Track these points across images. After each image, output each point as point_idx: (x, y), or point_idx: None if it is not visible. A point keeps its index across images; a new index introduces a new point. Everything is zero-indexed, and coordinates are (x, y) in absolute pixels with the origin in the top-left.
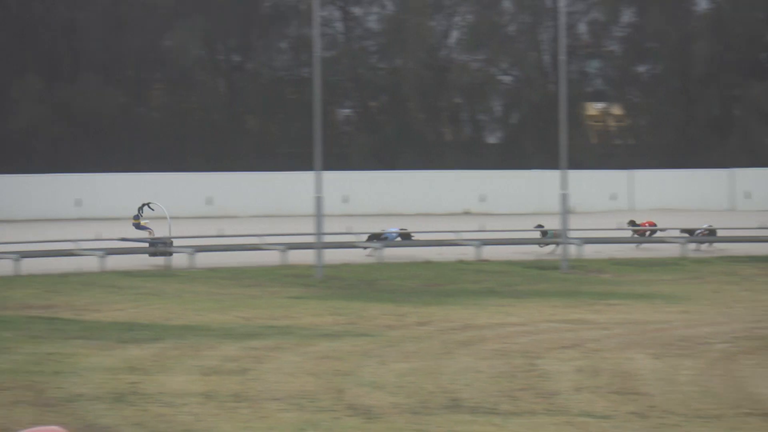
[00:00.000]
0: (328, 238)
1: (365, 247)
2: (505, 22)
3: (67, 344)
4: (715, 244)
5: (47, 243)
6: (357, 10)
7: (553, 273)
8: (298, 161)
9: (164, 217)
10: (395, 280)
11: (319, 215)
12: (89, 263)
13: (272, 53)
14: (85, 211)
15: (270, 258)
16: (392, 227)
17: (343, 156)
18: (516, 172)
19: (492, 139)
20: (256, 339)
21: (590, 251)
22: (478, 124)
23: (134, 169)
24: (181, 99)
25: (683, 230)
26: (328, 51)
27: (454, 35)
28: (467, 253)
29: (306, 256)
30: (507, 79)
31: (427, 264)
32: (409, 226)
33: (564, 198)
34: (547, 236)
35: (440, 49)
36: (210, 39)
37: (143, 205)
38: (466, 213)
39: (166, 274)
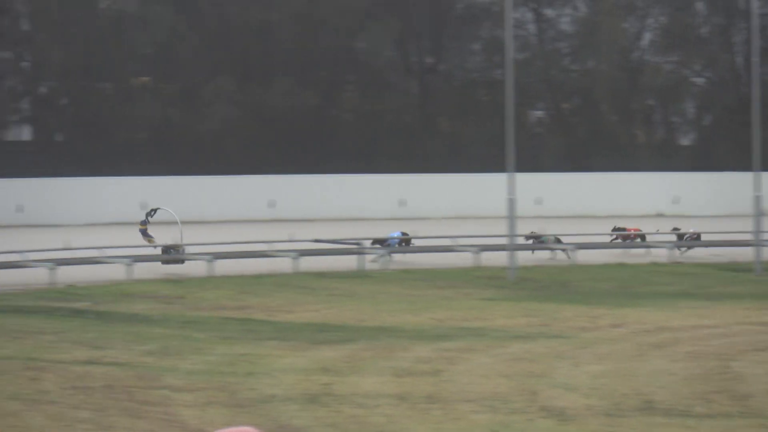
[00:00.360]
0: (521, 240)
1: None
2: (698, 24)
3: (260, 345)
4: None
5: (241, 244)
6: (549, 12)
7: (746, 275)
8: (491, 163)
9: (177, 223)
10: (588, 281)
11: (511, 217)
12: (282, 264)
13: (465, 55)
14: (278, 213)
15: (463, 259)
16: (394, 232)
17: (536, 158)
18: (709, 174)
19: (685, 141)
20: (448, 340)
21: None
22: (671, 125)
23: (326, 170)
24: (373, 100)
25: (672, 232)
26: (520, 53)
27: (647, 37)
28: (661, 255)
29: (499, 258)
30: (700, 80)
31: (621, 266)
32: (600, 228)
33: (757, 200)
34: (542, 242)
35: (633, 51)
36: (403, 40)
37: (151, 210)
38: (659, 215)
39: (360, 275)
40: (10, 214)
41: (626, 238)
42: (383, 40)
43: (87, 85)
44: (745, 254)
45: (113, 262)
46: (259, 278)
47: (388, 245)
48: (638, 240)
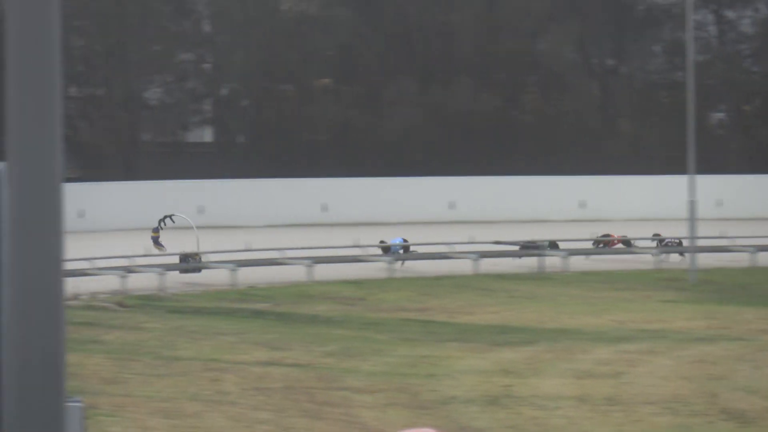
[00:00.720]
0: (701, 242)
1: None
2: None
3: (440, 347)
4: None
5: (421, 246)
6: (730, 14)
7: None
8: (671, 165)
9: (191, 228)
10: None
11: (692, 219)
12: (463, 266)
13: (646, 57)
14: (458, 214)
15: (642, 261)
16: (396, 238)
17: (716, 159)
18: None
19: None
20: (629, 342)
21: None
22: None
23: (507, 172)
24: (554, 102)
25: (652, 239)
26: (701, 55)
27: None
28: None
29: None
30: None
31: None
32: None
33: None
34: (546, 248)
35: None
36: (583, 42)
37: (165, 217)
38: None
39: (540, 277)
40: (192, 216)
41: (611, 244)
42: (564, 42)
43: (268, 87)
44: None
45: (294, 264)
46: (439, 280)
47: (392, 251)
48: (621, 245)
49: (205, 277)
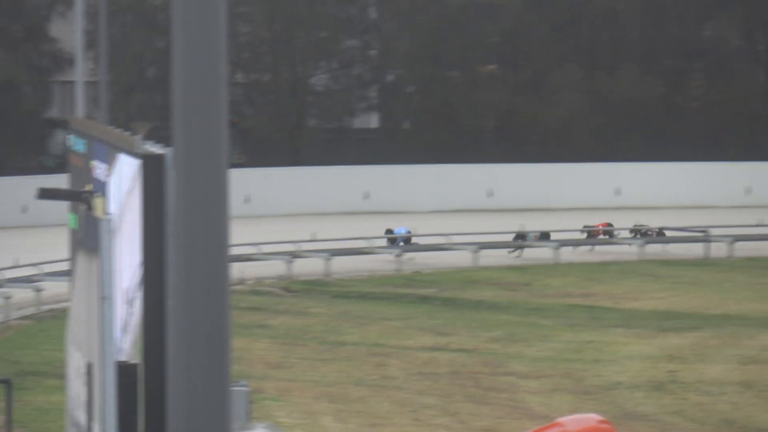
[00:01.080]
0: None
1: None
2: None
3: (606, 332)
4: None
5: (584, 231)
6: None
7: None
8: None
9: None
10: None
11: None
12: (628, 251)
13: None
14: (623, 200)
15: None
16: (401, 227)
17: None
18: None
19: None
20: None
21: None
22: None
23: (672, 158)
24: (720, 89)
25: (632, 230)
26: None
27: None
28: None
29: None
30: None
31: None
32: None
33: None
34: (527, 239)
35: None
36: (750, 29)
37: None
38: None
39: (705, 263)
40: (357, 201)
41: (595, 234)
42: (730, 29)
43: (434, 73)
44: None
45: (459, 249)
46: (604, 265)
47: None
48: (606, 236)
49: (370, 262)
